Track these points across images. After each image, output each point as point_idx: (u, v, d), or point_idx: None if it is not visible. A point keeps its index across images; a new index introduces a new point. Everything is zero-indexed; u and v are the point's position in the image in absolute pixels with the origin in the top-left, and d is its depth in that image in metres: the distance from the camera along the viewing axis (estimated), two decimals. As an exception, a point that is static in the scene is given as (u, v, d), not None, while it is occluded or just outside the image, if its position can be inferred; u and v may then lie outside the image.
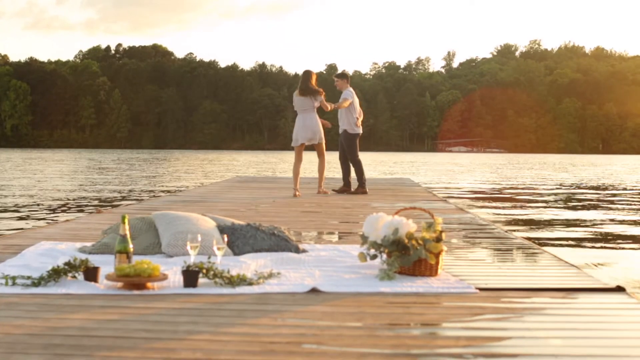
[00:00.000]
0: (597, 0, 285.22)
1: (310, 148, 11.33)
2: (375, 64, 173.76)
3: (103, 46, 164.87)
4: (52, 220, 11.67)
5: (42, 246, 5.04)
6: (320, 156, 11.26)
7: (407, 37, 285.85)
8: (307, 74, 11.05)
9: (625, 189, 23.56)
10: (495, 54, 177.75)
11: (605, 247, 9.27)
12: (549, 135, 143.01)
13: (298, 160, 11.16)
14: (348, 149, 11.60)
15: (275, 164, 48.58)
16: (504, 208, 15.18)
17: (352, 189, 11.73)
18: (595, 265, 7.68)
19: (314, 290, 3.66)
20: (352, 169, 11.78)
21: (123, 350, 2.56)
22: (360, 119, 11.69)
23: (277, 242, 4.84)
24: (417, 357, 2.52)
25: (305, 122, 10.98)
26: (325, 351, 2.58)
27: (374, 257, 4.19)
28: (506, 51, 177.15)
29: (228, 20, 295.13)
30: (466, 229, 6.73)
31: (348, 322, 3.03)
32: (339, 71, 13.93)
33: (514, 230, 9.94)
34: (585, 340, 2.83)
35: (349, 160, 11.71)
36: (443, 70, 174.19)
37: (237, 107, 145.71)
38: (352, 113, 11.50)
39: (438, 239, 4.09)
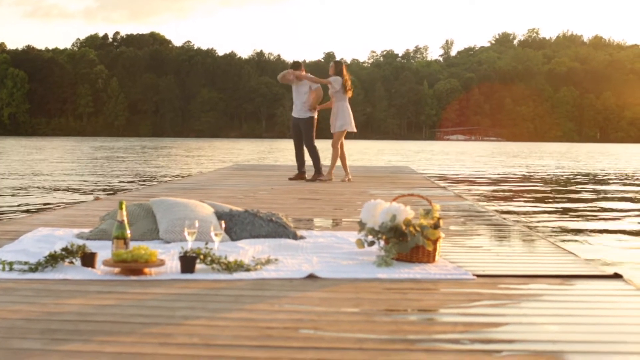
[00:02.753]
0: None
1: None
2: (373, 52, 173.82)
3: (101, 34, 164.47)
4: (49, 206, 11.65)
5: (39, 232, 5.03)
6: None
7: (405, 25, 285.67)
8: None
9: (623, 177, 23.57)
10: (493, 42, 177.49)
11: (603, 235, 9.27)
12: (546, 124, 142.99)
13: (342, 145, 11.48)
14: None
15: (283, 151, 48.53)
16: (502, 195, 15.18)
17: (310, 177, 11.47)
18: (593, 253, 7.68)
19: (311, 276, 3.66)
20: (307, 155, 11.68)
21: (120, 335, 2.56)
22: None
23: (274, 228, 4.84)
24: (414, 342, 2.53)
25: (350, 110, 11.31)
26: (322, 336, 2.58)
27: (371, 243, 4.19)
28: (504, 40, 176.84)
29: (226, 8, 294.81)
30: (464, 215, 6.73)
31: (345, 308, 3.03)
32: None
33: (512, 216, 9.94)
34: (582, 326, 2.83)
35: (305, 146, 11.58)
36: (441, 59, 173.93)
37: (235, 95, 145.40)
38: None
39: (436, 226, 4.08)
